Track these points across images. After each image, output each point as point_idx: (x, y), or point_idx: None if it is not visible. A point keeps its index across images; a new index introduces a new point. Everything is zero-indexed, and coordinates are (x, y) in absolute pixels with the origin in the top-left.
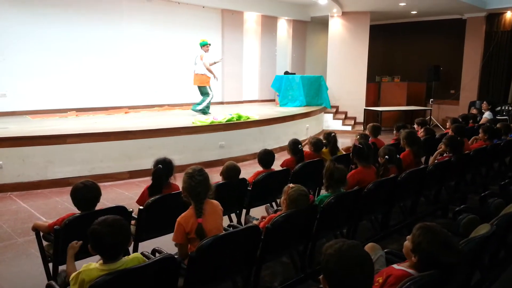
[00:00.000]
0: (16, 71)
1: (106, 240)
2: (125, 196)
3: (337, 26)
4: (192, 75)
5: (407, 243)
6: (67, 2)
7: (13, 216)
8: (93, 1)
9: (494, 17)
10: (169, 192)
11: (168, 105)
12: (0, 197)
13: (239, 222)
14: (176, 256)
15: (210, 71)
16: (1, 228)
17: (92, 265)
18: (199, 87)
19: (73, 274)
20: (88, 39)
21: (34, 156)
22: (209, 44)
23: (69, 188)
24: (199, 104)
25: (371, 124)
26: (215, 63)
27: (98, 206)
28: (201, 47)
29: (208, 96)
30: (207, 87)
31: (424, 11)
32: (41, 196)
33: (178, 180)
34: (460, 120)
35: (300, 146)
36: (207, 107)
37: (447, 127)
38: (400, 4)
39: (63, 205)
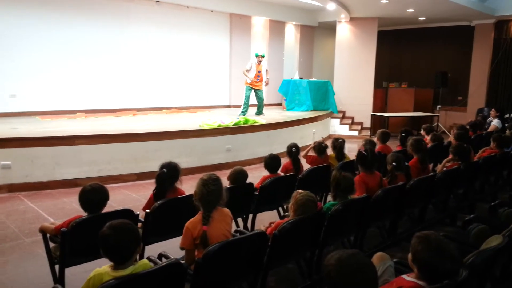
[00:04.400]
0: (26, 72)
1: (112, 244)
2: (132, 198)
3: (344, 31)
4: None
5: (410, 254)
6: (76, 4)
7: (21, 216)
8: (103, 4)
9: (503, 24)
10: (174, 197)
11: (176, 107)
12: (9, 197)
13: (245, 227)
14: (182, 262)
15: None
16: (9, 228)
17: (104, 268)
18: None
19: (85, 282)
20: (97, 41)
21: (42, 157)
22: (258, 56)
23: (77, 189)
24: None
25: (380, 130)
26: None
27: (106, 209)
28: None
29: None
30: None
31: (433, 18)
32: (49, 196)
33: (184, 184)
34: (468, 127)
35: (294, 149)
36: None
37: (451, 134)
38: (408, 10)
39: (70, 206)
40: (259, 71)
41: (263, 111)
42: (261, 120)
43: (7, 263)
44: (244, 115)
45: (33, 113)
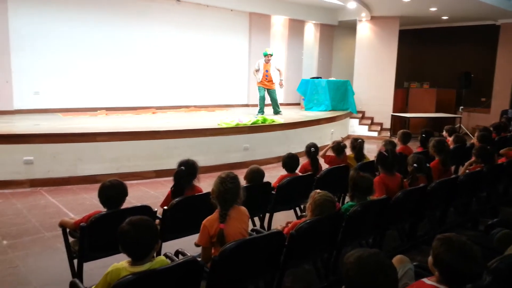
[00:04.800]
0: (50, 70)
1: (131, 239)
2: (150, 195)
3: (365, 30)
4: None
5: (430, 258)
6: (98, 3)
7: (42, 210)
8: (124, 2)
9: None
10: (192, 194)
11: (195, 106)
12: (31, 192)
13: (262, 226)
14: (199, 259)
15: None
16: (30, 222)
17: (122, 264)
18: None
19: (103, 276)
20: (118, 39)
21: (64, 153)
22: (267, 55)
23: (97, 185)
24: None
25: (401, 131)
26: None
27: (125, 205)
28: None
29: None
30: (258, 90)
31: (456, 17)
32: (70, 192)
33: (202, 182)
34: (491, 129)
35: (312, 149)
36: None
37: (475, 136)
38: (431, 9)
39: (90, 202)
40: (267, 70)
41: (280, 110)
42: (279, 119)
43: (28, 256)
44: (262, 114)
45: (56, 110)
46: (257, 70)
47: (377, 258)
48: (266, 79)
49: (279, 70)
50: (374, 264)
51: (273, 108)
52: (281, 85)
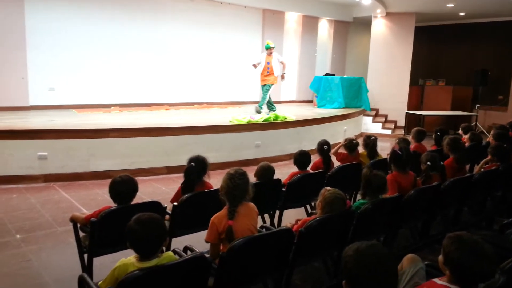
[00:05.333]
0: (64, 67)
1: (139, 237)
2: (161, 190)
3: (380, 27)
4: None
5: (440, 257)
6: (113, 1)
7: (55, 205)
8: (138, 0)
9: None
10: (202, 190)
11: (207, 103)
12: (44, 187)
13: (272, 223)
14: (207, 255)
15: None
16: (43, 217)
17: (129, 259)
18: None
19: (111, 271)
20: (132, 37)
21: (78, 149)
22: (270, 48)
23: (109, 181)
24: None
25: (415, 129)
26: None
27: (135, 200)
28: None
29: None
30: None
31: (474, 13)
32: (83, 187)
33: (213, 178)
34: (508, 127)
35: (325, 146)
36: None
37: (491, 134)
38: (448, 5)
39: (102, 197)
40: (268, 62)
41: (262, 109)
42: (291, 116)
43: (41, 251)
44: (274, 111)
45: (70, 107)
46: (259, 64)
47: (376, 250)
48: (268, 71)
49: (282, 63)
50: (372, 256)
51: (260, 101)
52: (282, 77)
